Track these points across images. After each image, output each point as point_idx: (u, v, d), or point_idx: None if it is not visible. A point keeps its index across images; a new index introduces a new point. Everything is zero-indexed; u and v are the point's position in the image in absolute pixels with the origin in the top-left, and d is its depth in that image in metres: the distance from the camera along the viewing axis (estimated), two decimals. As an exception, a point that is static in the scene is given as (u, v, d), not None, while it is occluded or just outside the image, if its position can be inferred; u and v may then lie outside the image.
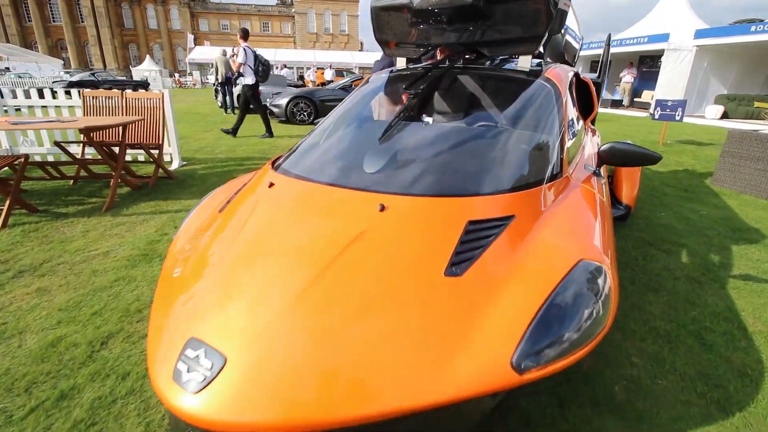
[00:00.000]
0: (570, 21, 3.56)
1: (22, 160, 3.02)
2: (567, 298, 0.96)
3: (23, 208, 3.08)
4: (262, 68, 6.81)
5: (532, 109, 1.76)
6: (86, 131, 3.13)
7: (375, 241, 1.09)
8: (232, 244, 1.17)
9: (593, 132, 2.92)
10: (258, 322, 0.92)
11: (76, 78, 20.65)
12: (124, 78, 27.76)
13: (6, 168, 3.14)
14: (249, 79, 6.73)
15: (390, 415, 0.80)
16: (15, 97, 4.52)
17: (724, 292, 2.15)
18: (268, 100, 9.91)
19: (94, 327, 1.73)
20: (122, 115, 4.16)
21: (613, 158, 1.65)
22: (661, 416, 1.33)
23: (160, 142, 4.14)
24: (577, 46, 4.11)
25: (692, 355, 1.64)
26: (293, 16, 52.20)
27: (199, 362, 0.86)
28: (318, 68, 23.30)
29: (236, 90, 10.48)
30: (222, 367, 0.84)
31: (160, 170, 4.05)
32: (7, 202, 2.85)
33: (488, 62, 2.11)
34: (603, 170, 1.84)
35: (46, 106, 4.54)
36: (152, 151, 4.07)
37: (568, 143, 1.65)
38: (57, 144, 3.79)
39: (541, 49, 1.84)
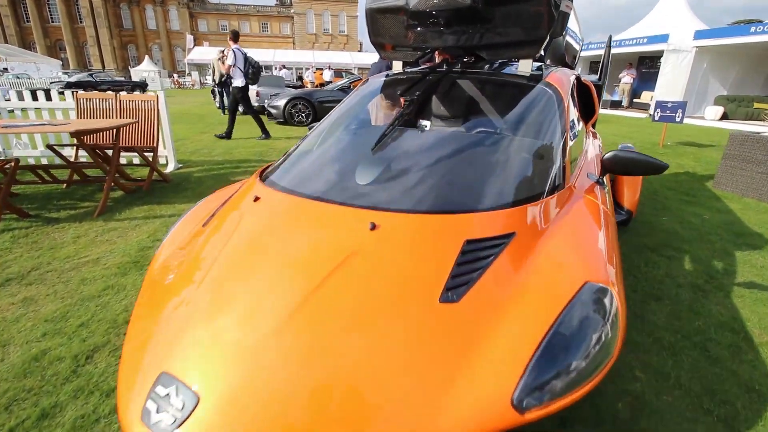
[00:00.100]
0: (571, 22, 3.51)
1: (12, 164, 2.96)
2: (572, 326, 0.89)
3: (13, 213, 3.02)
4: (252, 70, 6.74)
5: (532, 116, 1.69)
6: (77, 135, 3.07)
7: (364, 265, 1.02)
8: (210, 268, 1.10)
9: (594, 135, 2.88)
10: (234, 358, 0.85)
11: (74, 79, 20.58)
12: (123, 78, 27.70)
13: (-4, 172, 3.08)
14: (238, 81, 6.66)
15: None
16: (8, 99, 4.45)
17: (729, 300, 2.10)
18: (266, 101, 9.87)
19: (80, 339, 1.68)
20: (116, 117, 4.10)
21: (617, 167, 1.55)
22: (666, 435, 1.28)
23: (155, 145, 4.09)
24: (577, 47, 4.07)
25: (697, 369, 1.59)
26: (292, 17, 52.15)
27: (170, 401, 0.79)
28: (317, 69, 23.25)
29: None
30: (194, 408, 0.78)
31: (155, 173, 4.00)
32: (-3, 208, 2.79)
33: (487, 66, 2.05)
34: (606, 179, 1.77)
35: (40, 108, 4.49)
36: (147, 153, 4.02)
37: (571, 151, 1.59)
38: (49, 147, 3.73)
39: (541, 52, 1.78)
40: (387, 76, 2.10)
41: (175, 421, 0.76)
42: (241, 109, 7.10)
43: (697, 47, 11.87)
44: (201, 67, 33.53)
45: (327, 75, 19.00)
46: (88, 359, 1.57)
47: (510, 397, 0.81)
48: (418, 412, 0.78)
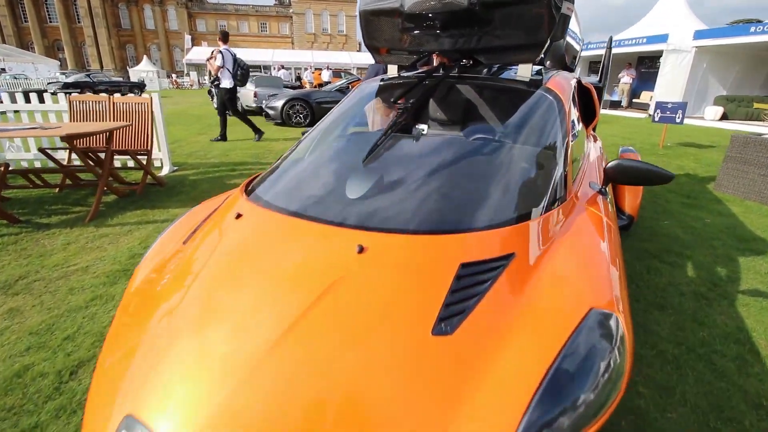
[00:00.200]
0: (571, 22, 3.45)
1: (2, 168, 2.91)
2: (577, 358, 0.83)
3: (3, 218, 2.96)
4: (241, 72, 6.65)
5: (532, 125, 1.62)
6: (68, 138, 3.01)
7: (349, 293, 0.94)
8: (183, 299, 1.01)
9: (594, 139, 2.82)
10: (206, 399, 0.77)
11: (71, 79, 20.45)
12: (121, 79, 27.57)
13: (-15, 177, 3.02)
14: (227, 83, 6.57)
15: None
16: (0, 101, 4.38)
17: (733, 309, 2.05)
18: (264, 101, 9.81)
19: (65, 354, 1.62)
20: (110, 120, 4.04)
21: (621, 176, 1.47)
22: (672, 457, 1.23)
23: (149, 148, 4.02)
24: (578, 48, 4.01)
25: (703, 384, 1.53)
26: (291, 17, 52.05)
27: None
28: (315, 69, 23.16)
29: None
30: None
31: (149, 177, 3.94)
32: (-15, 214, 2.73)
33: (486, 70, 2.00)
34: (609, 188, 1.69)
35: (33, 111, 4.43)
36: (141, 156, 3.96)
37: (572, 161, 1.52)
38: (41, 151, 3.67)
39: (542, 55, 1.71)
40: (381, 80, 2.04)
41: None
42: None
43: (696, 47, 11.83)
44: (199, 68, 33.46)
45: (325, 75, 18.90)
46: (72, 375, 1.52)
47: None
48: None
